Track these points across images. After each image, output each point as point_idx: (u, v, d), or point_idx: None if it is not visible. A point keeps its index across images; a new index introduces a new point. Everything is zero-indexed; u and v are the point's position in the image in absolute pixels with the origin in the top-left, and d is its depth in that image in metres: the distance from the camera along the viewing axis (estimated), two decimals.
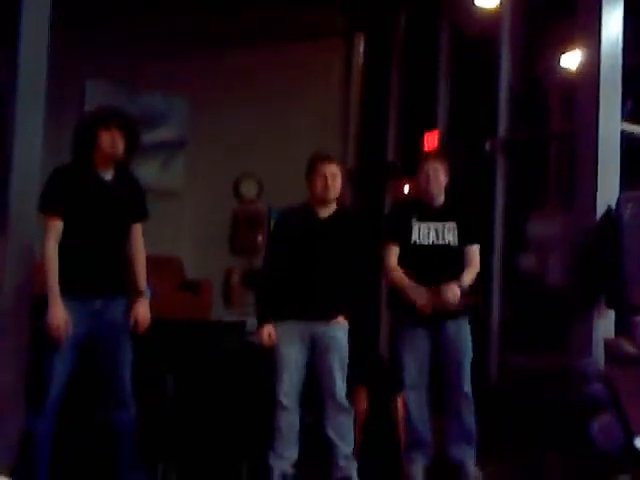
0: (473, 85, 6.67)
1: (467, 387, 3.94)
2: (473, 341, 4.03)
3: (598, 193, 4.48)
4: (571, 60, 5.83)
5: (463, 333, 3.98)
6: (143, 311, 3.49)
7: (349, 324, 3.82)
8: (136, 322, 3.46)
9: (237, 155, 7.27)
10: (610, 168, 4.56)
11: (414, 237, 3.97)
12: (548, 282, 5.88)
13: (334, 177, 3.73)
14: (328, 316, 3.72)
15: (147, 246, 3.65)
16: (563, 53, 6.07)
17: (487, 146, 6.23)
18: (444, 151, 5.79)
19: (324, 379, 3.70)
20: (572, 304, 4.66)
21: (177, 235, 7.02)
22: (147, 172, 6.72)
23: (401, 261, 4.06)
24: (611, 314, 4.45)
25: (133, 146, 3.51)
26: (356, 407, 4.13)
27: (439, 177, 4.01)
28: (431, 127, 6.88)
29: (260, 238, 7.25)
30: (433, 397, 4.05)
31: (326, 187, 3.70)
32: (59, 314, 3.26)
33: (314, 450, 3.73)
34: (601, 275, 4.37)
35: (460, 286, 3.91)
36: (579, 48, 4.97)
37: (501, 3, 6.29)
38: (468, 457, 3.95)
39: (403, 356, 4.01)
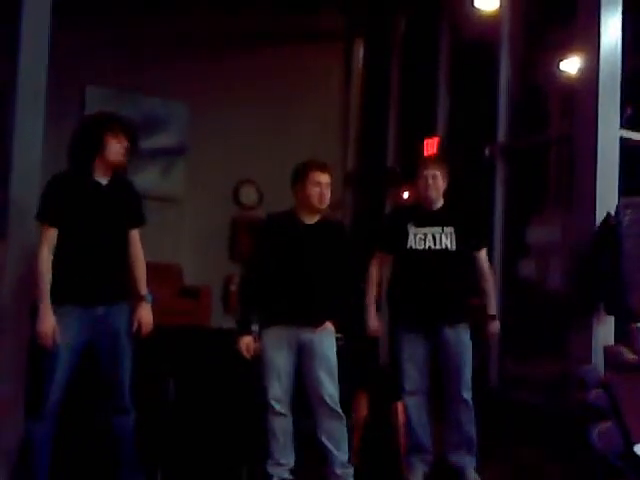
0: (473, 90, 6.68)
1: (467, 394, 3.93)
2: (474, 347, 4.01)
3: (597, 199, 4.48)
4: (570, 66, 5.84)
5: (462, 340, 3.96)
6: (146, 315, 3.50)
7: (340, 330, 3.81)
8: (139, 326, 3.47)
9: (237, 161, 7.29)
10: (609, 174, 4.56)
11: (410, 243, 3.97)
12: (548, 288, 5.89)
13: (328, 187, 3.72)
14: (315, 322, 3.70)
15: (147, 253, 3.65)
16: (562, 59, 6.08)
17: (486, 152, 6.24)
18: (443, 156, 5.79)
19: (312, 386, 3.67)
20: (572, 311, 4.66)
21: (177, 241, 7.03)
22: (147, 178, 6.76)
23: (398, 267, 4.06)
24: (611, 321, 4.45)
25: (132, 152, 3.52)
26: (356, 413, 4.12)
27: (438, 182, 4.01)
28: (431, 132, 6.89)
29: None
30: (433, 404, 4.05)
31: (321, 196, 3.69)
32: (48, 322, 3.25)
33: (312, 456, 3.71)
34: (600, 281, 4.37)
35: (495, 318, 4.06)
36: (578, 54, 4.98)
37: (500, 8, 6.30)
38: (468, 464, 3.94)
39: (402, 362, 4.01)
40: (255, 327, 3.75)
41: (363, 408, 4.18)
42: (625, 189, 4.55)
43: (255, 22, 7.33)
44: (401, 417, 4.05)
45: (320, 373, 3.65)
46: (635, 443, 3.29)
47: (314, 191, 3.68)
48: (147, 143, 6.63)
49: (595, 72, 4.57)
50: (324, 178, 3.71)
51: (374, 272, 4.09)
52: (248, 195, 7.52)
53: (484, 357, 5.67)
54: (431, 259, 3.95)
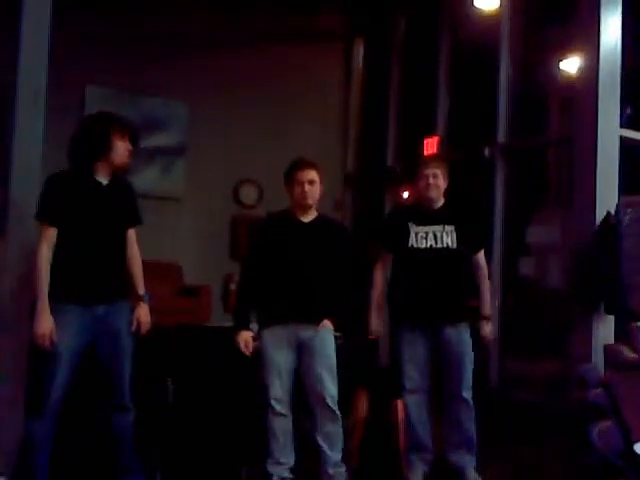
0: (472, 90, 6.68)
1: (467, 393, 3.92)
2: (474, 346, 4.01)
3: (597, 198, 4.49)
4: (570, 65, 5.84)
5: (462, 339, 3.95)
6: (144, 314, 3.52)
7: (340, 328, 3.81)
8: (138, 325, 3.49)
9: (237, 161, 7.29)
10: (609, 173, 4.57)
11: (411, 241, 3.96)
12: (548, 288, 5.90)
13: (312, 183, 3.73)
14: (314, 319, 3.70)
15: (147, 252, 3.65)
16: (562, 59, 6.09)
17: (486, 152, 6.24)
18: (443, 156, 5.79)
19: (312, 385, 3.67)
20: (572, 310, 4.66)
21: (177, 240, 7.03)
22: (147, 178, 6.77)
23: (399, 266, 4.06)
24: (611, 320, 4.45)
25: (134, 153, 3.54)
26: (356, 412, 4.12)
27: (439, 182, 4.00)
28: (431, 132, 6.90)
29: None
30: (434, 403, 4.04)
31: (303, 193, 3.70)
32: (45, 323, 3.25)
33: (312, 455, 3.71)
34: (600, 281, 4.37)
35: (488, 318, 4.02)
36: (578, 54, 4.98)
37: (500, 8, 6.31)
38: (468, 463, 3.94)
39: (403, 363, 4.00)
40: (254, 326, 3.75)
41: (363, 407, 4.17)
42: (625, 188, 4.56)
43: (255, 22, 7.33)
44: (401, 415, 4.05)
45: (321, 371, 3.65)
46: (635, 442, 3.29)
47: (298, 189, 3.71)
48: (147, 142, 6.62)
49: (595, 72, 4.58)
50: (307, 175, 3.72)
51: (379, 275, 4.09)
52: (248, 194, 7.53)
53: (484, 357, 5.67)
54: (432, 257, 3.95)
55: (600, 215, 4.45)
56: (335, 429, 3.67)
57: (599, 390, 3.80)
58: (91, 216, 3.39)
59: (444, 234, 3.96)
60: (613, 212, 4.40)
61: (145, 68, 6.80)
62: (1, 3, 3.89)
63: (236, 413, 4.04)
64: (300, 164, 3.77)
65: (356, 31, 8.09)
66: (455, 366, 3.93)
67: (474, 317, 4.04)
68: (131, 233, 3.57)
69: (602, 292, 4.41)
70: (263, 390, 3.66)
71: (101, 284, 3.40)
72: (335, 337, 3.78)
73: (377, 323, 4.06)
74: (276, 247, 3.71)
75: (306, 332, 3.67)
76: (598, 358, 4.25)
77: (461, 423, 3.92)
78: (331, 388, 3.66)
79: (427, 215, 4.02)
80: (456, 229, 3.96)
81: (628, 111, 5.11)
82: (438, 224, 3.97)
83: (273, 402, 3.63)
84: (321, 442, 3.66)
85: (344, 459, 3.72)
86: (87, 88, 6.79)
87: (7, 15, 3.77)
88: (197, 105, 7.14)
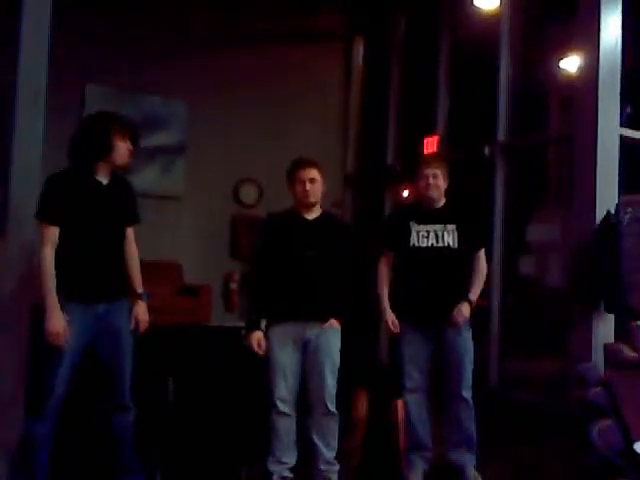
0: (472, 89, 6.68)
1: (467, 393, 3.92)
2: (475, 346, 4.01)
3: (597, 197, 4.49)
4: (570, 64, 5.84)
5: (463, 339, 3.95)
6: (142, 312, 3.53)
7: (344, 327, 3.82)
8: (137, 323, 3.50)
9: (237, 160, 7.29)
10: (609, 172, 4.57)
11: (412, 240, 3.96)
12: (548, 287, 5.89)
13: (312, 181, 3.75)
14: (320, 317, 3.71)
15: (147, 251, 3.66)
16: (562, 57, 6.09)
17: (486, 150, 6.24)
18: (443, 155, 5.79)
19: (314, 382, 3.68)
20: (572, 309, 4.66)
21: (177, 240, 7.03)
22: (147, 177, 6.77)
23: (401, 265, 4.06)
24: (611, 319, 4.45)
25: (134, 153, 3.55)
26: (356, 412, 4.12)
27: (439, 181, 4.00)
28: (431, 131, 6.90)
29: None
30: (434, 403, 4.04)
31: (305, 192, 3.72)
32: (58, 321, 3.24)
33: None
34: (600, 279, 4.37)
35: (471, 304, 3.93)
36: (578, 52, 4.98)
37: (500, 7, 6.30)
38: (468, 462, 3.94)
39: (404, 363, 4.00)
40: (263, 324, 3.76)
41: (363, 407, 4.17)
42: (625, 187, 4.56)
43: (255, 22, 7.33)
44: (401, 414, 4.05)
45: (323, 369, 3.67)
46: (635, 441, 3.29)
47: (300, 188, 3.73)
48: (147, 142, 6.61)
49: (595, 70, 4.58)
50: (308, 174, 3.74)
51: (384, 270, 4.07)
52: (248, 194, 7.53)
53: (484, 357, 5.67)
54: (434, 256, 3.95)
55: (600, 214, 4.45)
56: (331, 427, 3.69)
57: (599, 389, 3.80)
58: (91, 216, 3.39)
59: (445, 233, 3.96)
60: (613, 211, 4.40)
61: (145, 67, 6.80)
62: (1, 3, 3.90)
63: (236, 412, 4.04)
64: (301, 163, 3.80)
65: (356, 31, 8.09)
66: (455, 365, 3.93)
67: (474, 317, 4.04)
68: (129, 231, 3.57)
69: (602, 291, 4.41)
70: (267, 390, 3.66)
71: (102, 283, 3.40)
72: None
73: (391, 315, 3.99)
74: (281, 244, 3.73)
75: (312, 330, 3.69)
76: (598, 357, 4.25)
77: (461, 422, 3.92)
78: (331, 387, 3.68)
79: (428, 214, 4.02)
80: (457, 228, 3.96)
81: (628, 110, 5.12)
82: (439, 223, 3.97)
83: (278, 402, 3.64)
84: (316, 439, 3.68)
85: (340, 457, 3.73)
86: (87, 87, 6.79)
87: (7, 15, 3.77)
88: (197, 104, 7.14)
